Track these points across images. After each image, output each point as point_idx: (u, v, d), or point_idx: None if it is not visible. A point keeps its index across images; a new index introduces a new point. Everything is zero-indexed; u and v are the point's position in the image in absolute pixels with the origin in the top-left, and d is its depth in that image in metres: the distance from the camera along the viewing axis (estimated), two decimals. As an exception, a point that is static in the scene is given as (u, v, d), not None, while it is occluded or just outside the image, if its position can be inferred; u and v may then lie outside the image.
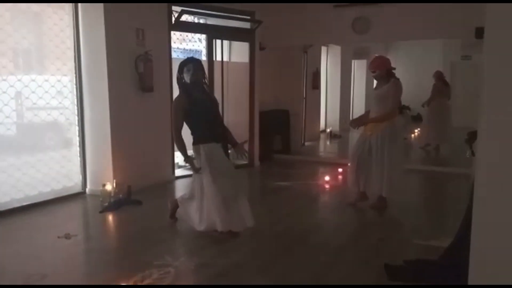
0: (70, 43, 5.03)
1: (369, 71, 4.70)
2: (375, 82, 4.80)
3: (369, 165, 4.58)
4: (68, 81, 5.07)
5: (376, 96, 4.57)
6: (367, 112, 4.78)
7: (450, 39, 10.03)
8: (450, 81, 11.24)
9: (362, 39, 7.15)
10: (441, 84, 8.23)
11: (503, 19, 1.86)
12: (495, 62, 1.93)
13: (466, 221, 2.86)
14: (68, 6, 4.98)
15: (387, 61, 4.61)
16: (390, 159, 4.44)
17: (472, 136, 2.95)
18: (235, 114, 6.75)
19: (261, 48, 7.05)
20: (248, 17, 6.70)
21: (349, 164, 5.00)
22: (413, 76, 8.83)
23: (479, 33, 5.38)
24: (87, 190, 5.26)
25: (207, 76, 3.88)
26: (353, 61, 11.64)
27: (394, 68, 4.57)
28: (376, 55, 5.08)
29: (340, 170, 6.38)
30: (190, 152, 3.68)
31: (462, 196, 4.54)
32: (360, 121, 4.68)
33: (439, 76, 8.28)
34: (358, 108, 12.09)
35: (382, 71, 4.50)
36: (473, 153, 2.87)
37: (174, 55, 6.07)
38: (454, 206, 4.72)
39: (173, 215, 4.15)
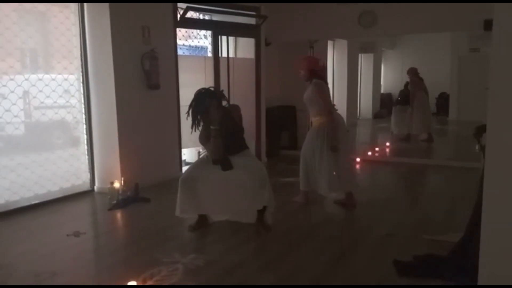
0: (76, 41, 5.05)
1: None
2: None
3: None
4: (75, 80, 5.09)
5: (304, 99, 4.49)
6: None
7: (458, 34, 9.94)
8: (458, 76, 11.16)
9: (369, 33, 7.10)
10: (418, 79, 8.63)
11: (512, 11, 1.83)
12: (503, 54, 1.90)
13: (475, 216, 2.83)
14: (74, 5, 4.99)
15: (312, 61, 4.48)
16: (329, 156, 4.37)
17: (480, 130, 2.91)
18: (241, 111, 6.70)
19: (267, 44, 7.02)
20: (254, 13, 6.67)
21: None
22: (420, 71, 8.81)
23: (488, 25, 5.32)
24: (95, 188, 5.29)
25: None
26: (360, 55, 11.56)
27: (321, 69, 4.45)
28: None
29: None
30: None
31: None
32: (335, 138, 4.37)
33: (414, 72, 8.66)
34: (365, 102, 12.02)
35: (306, 72, 4.39)
36: (481, 147, 2.83)
37: (179, 52, 6.06)
38: (454, 200, 4.69)
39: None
